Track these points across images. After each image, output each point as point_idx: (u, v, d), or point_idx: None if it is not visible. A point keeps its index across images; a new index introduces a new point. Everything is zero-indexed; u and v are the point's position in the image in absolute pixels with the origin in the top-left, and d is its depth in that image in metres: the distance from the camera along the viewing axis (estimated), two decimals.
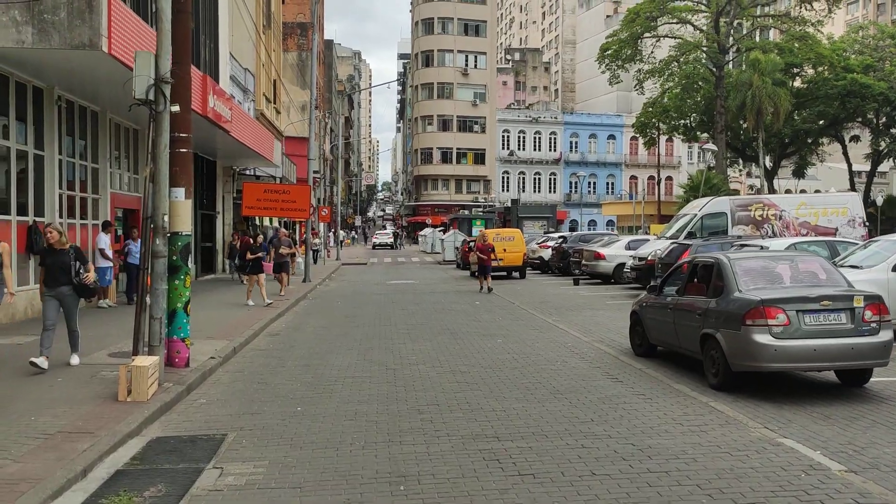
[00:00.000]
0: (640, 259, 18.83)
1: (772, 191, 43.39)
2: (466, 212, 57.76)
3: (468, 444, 5.78)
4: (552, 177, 73.15)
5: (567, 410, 6.81)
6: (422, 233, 57.92)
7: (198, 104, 15.12)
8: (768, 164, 45.39)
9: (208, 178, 24.15)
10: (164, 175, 7.71)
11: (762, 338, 6.94)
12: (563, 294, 19.52)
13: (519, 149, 71.94)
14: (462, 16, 71.25)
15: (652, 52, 42.82)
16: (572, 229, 55.21)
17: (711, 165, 39.94)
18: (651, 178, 66.85)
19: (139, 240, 9.06)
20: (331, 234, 47.70)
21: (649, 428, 6.18)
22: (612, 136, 74.19)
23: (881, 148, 45.21)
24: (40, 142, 12.88)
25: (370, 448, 5.75)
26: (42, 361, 7.94)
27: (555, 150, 72.87)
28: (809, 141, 45.07)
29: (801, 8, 41.37)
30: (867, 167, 48.59)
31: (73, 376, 7.91)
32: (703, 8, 41.78)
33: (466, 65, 71.07)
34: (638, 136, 49.71)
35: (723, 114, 39.13)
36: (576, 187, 70.00)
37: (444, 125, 71.00)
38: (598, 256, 22.30)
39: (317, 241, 34.59)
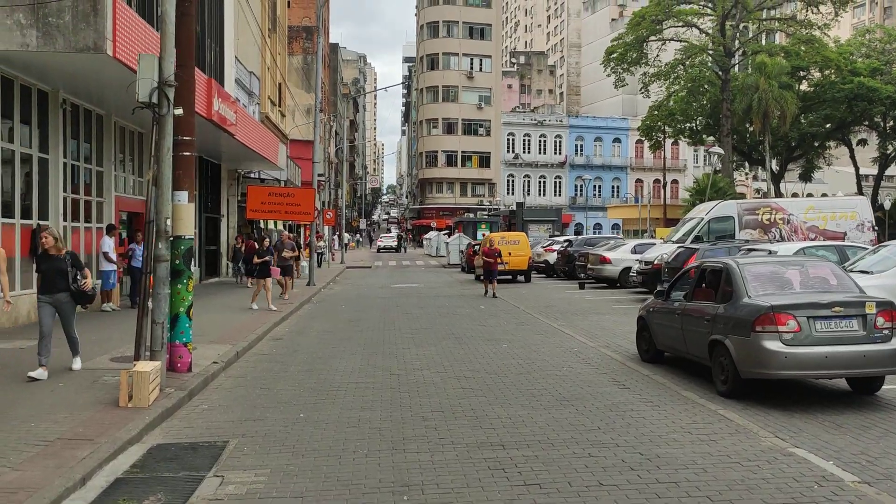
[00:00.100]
0: (647, 263, 18.70)
1: (778, 194, 43.18)
2: (471, 215, 57.68)
3: (473, 453, 5.69)
4: (557, 180, 73.02)
5: (573, 418, 6.71)
6: (426, 236, 57.88)
7: (203, 107, 15.11)
8: (775, 167, 45.18)
9: (213, 182, 24.15)
10: (167, 179, 7.65)
11: (772, 345, 6.83)
12: (569, 298, 19.40)
13: (524, 152, 71.87)
14: (467, 19, 71.28)
15: (657, 56, 42.69)
16: (577, 233, 55.05)
17: (718, 169, 39.75)
18: (657, 181, 66.58)
19: (143, 243, 8.99)
20: (335, 237, 47.69)
21: (657, 436, 6.07)
22: (617, 140, 74.04)
23: (888, 151, 44.94)
24: (45, 145, 12.87)
25: (373, 456, 5.66)
26: (40, 373, 7.82)
27: (560, 154, 72.76)
28: (816, 144, 44.84)
29: (807, 11, 41.18)
30: (874, 171, 48.31)
31: (74, 381, 7.85)
32: (708, 11, 41.64)
33: (471, 68, 71.06)
34: (643, 139, 49.59)
35: (729, 117, 38.97)
36: (581, 190, 69.85)
37: (449, 128, 70.99)
38: (604, 260, 22.17)
39: (321, 244, 34.56)
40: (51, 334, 7.91)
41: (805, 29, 40.86)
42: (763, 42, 45.97)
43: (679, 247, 17.51)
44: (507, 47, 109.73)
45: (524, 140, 72.27)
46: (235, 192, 26.47)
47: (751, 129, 41.09)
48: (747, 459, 5.45)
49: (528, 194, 69.19)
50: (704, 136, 45.75)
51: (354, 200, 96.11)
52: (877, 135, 45.20)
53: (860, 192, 43.74)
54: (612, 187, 73.92)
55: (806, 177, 49.25)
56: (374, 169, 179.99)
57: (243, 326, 12.61)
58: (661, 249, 19.11)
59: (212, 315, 13.85)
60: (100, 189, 15.23)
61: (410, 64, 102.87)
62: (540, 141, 72.62)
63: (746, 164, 51.36)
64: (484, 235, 39.17)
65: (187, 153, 8.18)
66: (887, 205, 44.70)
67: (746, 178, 63.31)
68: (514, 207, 46.22)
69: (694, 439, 5.99)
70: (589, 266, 22.99)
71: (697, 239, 19.42)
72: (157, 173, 7.56)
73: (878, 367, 7.05)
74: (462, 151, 70.63)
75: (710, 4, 41.35)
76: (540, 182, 72.71)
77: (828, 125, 42.94)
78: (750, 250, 13.77)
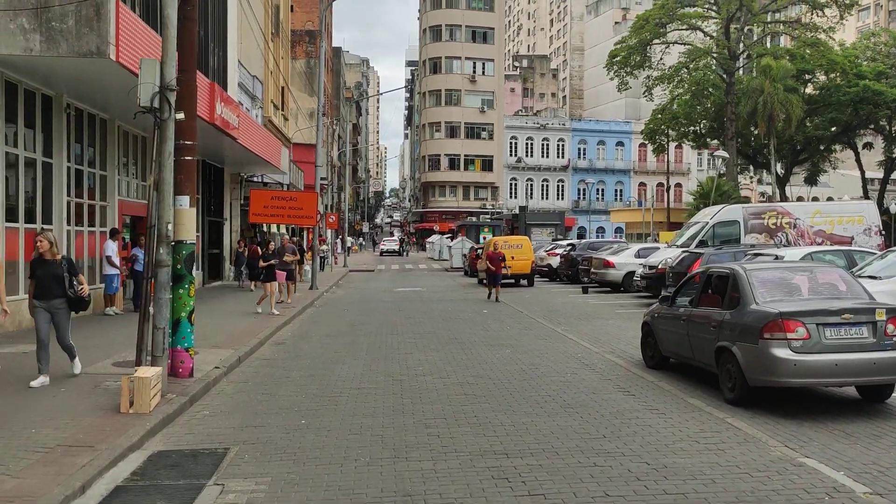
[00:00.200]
0: (651, 267, 18.60)
1: (783, 198, 43.00)
2: (474, 219, 57.63)
3: (476, 461, 5.61)
4: (560, 184, 72.93)
5: (578, 425, 6.62)
6: (429, 239, 57.83)
7: (205, 111, 15.09)
8: (780, 171, 45.01)
9: (216, 185, 24.14)
10: (169, 183, 7.60)
11: (781, 352, 6.74)
12: (572, 303, 19.31)
13: (527, 155, 71.80)
14: (470, 23, 71.32)
15: (661, 59, 42.60)
16: (580, 236, 55.01)
17: (722, 172, 39.60)
18: (660, 184, 66.46)
19: (145, 247, 8.93)
20: (338, 240, 47.67)
21: (664, 445, 5.98)
22: (620, 143, 73.92)
23: (894, 155, 44.72)
24: (49, 149, 12.86)
25: (375, 464, 5.58)
26: (41, 381, 7.74)
27: (563, 157, 72.67)
28: (822, 148, 44.64)
29: (812, 14, 41.07)
30: (880, 174, 48.10)
31: (75, 386, 7.80)
32: (713, 14, 41.55)
33: (474, 72, 71.06)
34: (647, 142, 49.44)
35: (733, 120, 38.83)
36: (584, 194, 69.73)
37: (452, 132, 70.97)
38: (608, 264, 22.07)
39: (324, 247, 34.52)
40: (48, 340, 7.83)
41: (810, 32, 40.74)
42: (768, 45, 45.82)
43: (683, 251, 17.41)
44: (509, 51, 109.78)
45: (527, 143, 72.21)
46: (238, 195, 26.46)
47: (755, 132, 40.94)
48: (757, 470, 5.36)
49: (531, 198, 69.08)
50: (708, 139, 45.59)
51: (357, 204, 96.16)
52: (882, 138, 45.00)
53: (866, 195, 43.56)
54: (616, 191, 73.78)
55: (811, 180, 49.06)
56: (377, 172, 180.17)
57: (245, 331, 12.56)
58: (666, 254, 19.01)
59: (214, 319, 13.80)
60: (103, 193, 15.21)
61: (413, 68, 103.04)
62: (543, 144, 72.55)
63: (751, 168, 51.19)
64: (483, 238, 39.21)
65: (189, 157, 8.14)
66: (893, 208, 44.45)
67: (751, 182, 63.08)
68: (517, 211, 46.14)
69: (702, 448, 5.90)
70: (592, 270, 22.89)
71: (702, 243, 19.30)
72: (158, 178, 7.51)
73: (889, 375, 6.95)
74: (465, 155, 70.59)
75: (714, 7, 41.27)
76: (543, 186, 72.62)
77: (833, 128, 42.76)
78: (756, 255, 13.66)
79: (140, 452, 5.89)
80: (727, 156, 36.92)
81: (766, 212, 20.61)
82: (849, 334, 6.86)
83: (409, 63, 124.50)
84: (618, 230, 64.22)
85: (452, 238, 47.63)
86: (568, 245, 29.80)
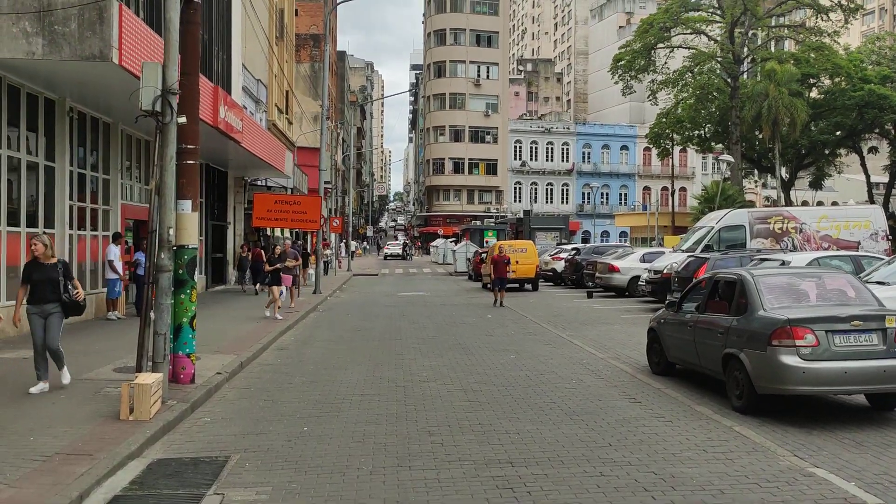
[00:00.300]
0: (656, 272, 18.48)
1: (788, 202, 42.83)
2: (478, 222, 57.53)
3: (480, 470, 5.52)
4: (564, 187, 72.83)
5: (584, 433, 6.53)
6: (433, 243, 57.78)
7: (209, 115, 15.07)
8: (784, 175, 44.84)
9: (219, 189, 24.12)
10: (171, 188, 7.55)
11: (790, 359, 6.63)
12: (577, 307, 19.20)
13: (531, 159, 71.74)
14: (474, 27, 71.36)
15: (665, 63, 42.53)
16: (584, 240, 54.85)
17: (727, 177, 39.45)
18: (664, 188, 66.31)
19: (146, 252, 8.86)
20: (342, 244, 47.64)
21: (671, 454, 5.88)
22: (624, 147, 73.82)
23: None
24: (51, 153, 12.83)
25: (378, 473, 5.50)
26: (41, 388, 7.64)
27: (567, 161, 72.59)
28: (826, 152, 44.47)
29: (816, 18, 40.95)
30: (885, 179, 47.89)
31: (75, 393, 7.73)
32: (717, 18, 41.47)
33: (478, 75, 71.09)
34: (651, 146, 49.36)
35: (738, 124, 38.72)
36: (588, 198, 69.61)
37: (456, 136, 70.96)
38: (613, 269, 21.96)
39: (328, 251, 34.49)
40: (45, 346, 7.72)
41: (815, 36, 40.62)
42: (772, 49, 45.72)
43: (689, 256, 17.30)
44: (514, 55, 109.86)
45: (531, 147, 72.16)
46: (242, 199, 26.44)
47: (760, 136, 40.80)
48: (766, 480, 5.26)
49: (536, 202, 68.96)
50: (713, 143, 45.48)
51: (361, 208, 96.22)
52: (888, 142, 44.81)
53: (871, 200, 43.35)
54: (620, 195, 73.65)
55: (816, 185, 48.88)
56: (381, 176, 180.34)
57: (248, 336, 12.49)
58: (671, 258, 18.89)
59: (217, 324, 13.73)
60: (106, 197, 15.18)
61: (417, 71, 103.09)
62: (547, 148, 72.49)
63: (755, 172, 51.07)
64: (487, 243, 39.12)
65: (191, 161, 8.08)
66: None
67: (756, 186, 62.92)
68: (522, 215, 46.02)
69: (709, 458, 5.80)
70: (597, 275, 22.78)
71: (707, 248, 19.18)
72: (159, 182, 7.45)
73: None
74: (469, 159, 70.56)
75: (718, 11, 41.19)
76: (547, 189, 72.53)
77: (838, 133, 42.60)
78: (762, 260, 13.54)
79: (139, 461, 5.82)
80: (732, 160, 36.78)
81: (771, 216, 20.47)
82: (858, 341, 6.75)
83: (414, 67, 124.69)
84: (622, 234, 64.13)
85: (457, 242, 47.54)
86: (572, 249, 29.70)
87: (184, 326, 8.09)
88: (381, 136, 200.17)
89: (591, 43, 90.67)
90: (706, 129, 44.36)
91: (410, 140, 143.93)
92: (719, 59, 40.90)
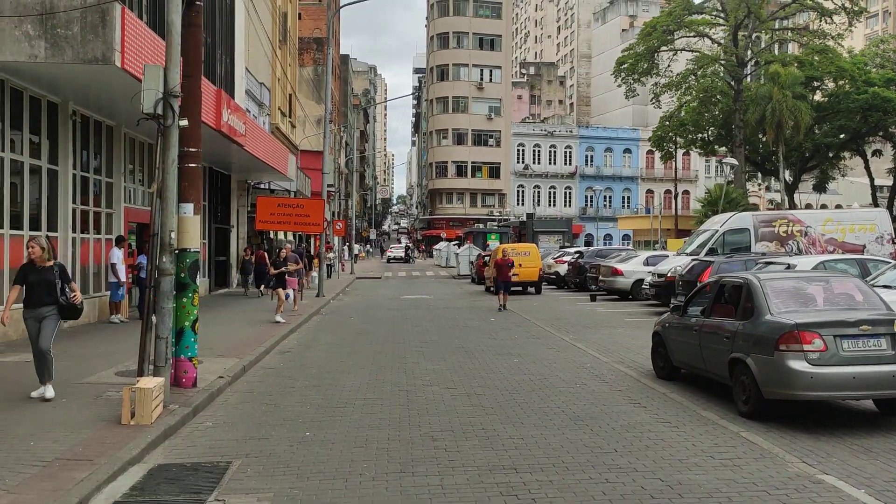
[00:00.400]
0: (660, 275, 18.39)
1: (792, 205, 42.70)
2: (481, 226, 57.48)
3: (484, 477, 5.45)
4: (567, 191, 72.76)
5: (588, 439, 6.46)
6: (437, 246, 57.74)
7: (212, 118, 15.05)
8: (788, 178, 44.71)
9: (223, 192, 24.11)
10: (172, 191, 7.51)
11: (797, 364, 6.56)
12: (580, 311, 19.12)
13: (534, 162, 71.71)
14: (477, 30, 71.42)
15: (669, 66, 42.47)
16: (587, 244, 54.73)
17: (731, 180, 39.35)
18: (668, 192, 66.18)
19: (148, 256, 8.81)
20: (345, 247, 47.61)
21: (678, 461, 5.81)
22: (627, 150, 73.74)
23: None
24: (54, 156, 12.81)
25: (381, 479, 5.44)
26: (41, 392, 7.54)
27: (570, 164, 72.53)
28: (830, 155, 44.35)
29: (820, 21, 40.87)
30: (890, 182, 47.73)
31: (76, 397, 7.68)
32: (721, 21, 41.42)
33: (481, 79, 71.12)
34: (654, 149, 49.30)
35: (742, 127, 38.62)
36: (591, 201, 69.52)
37: (459, 139, 70.98)
38: (616, 272, 21.87)
39: (331, 254, 34.45)
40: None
41: (818, 39, 40.53)
42: (776, 52, 45.63)
43: (693, 259, 17.19)
44: (517, 58, 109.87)
45: (534, 150, 72.12)
46: (245, 202, 26.44)
47: (764, 139, 40.73)
48: (775, 487, 5.18)
49: (539, 205, 68.93)
50: (716, 146, 45.40)
51: (364, 211, 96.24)
52: (892, 145, 44.65)
53: (875, 203, 43.20)
54: (623, 198, 73.55)
55: (820, 188, 48.74)
56: (385, 179, 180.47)
57: (251, 339, 12.44)
58: (675, 262, 18.79)
59: (219, 327, 13.70)
60: (109, 200, 15.16)
61: (420, 75, 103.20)
62: (550, 151, 72.44)
63: (759, 175, 50.95)
64: (487, 246, 39.08)
65: (193, 164, 8.04)
66: None
67: (759, 189, 62.79)
68: (525, 218, 45.98)
69: (717, 464, 5.72)
70: (600, 278, 22.69)
71: (712, 251, 19.07)
72: (161, 185, 7.41)
73: None
74: (472, 162, 70.57)
75: (722, 14, 41.14)
76: (550, 193, 72.47)
77: (842, 136, 42.48)
78: (767, 263, 13.45)
79: (140, 466, 5.77)
80: (736, 163, 36.67)
81: (776, 220, 20.35)
82: (867, 346, 6.67)
83: (417, 70, 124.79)
84: (625, 237, 64.03)
85: (460, 245, 47.49)
86: (576, 252, 29.61)
87: (186, 330, 8.04)
88: (384, 139, 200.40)
89: (594, 46, 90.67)
90: (709, 132, 44.28)
91: (413, 143, 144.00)
92: (723, 62, 40.84)
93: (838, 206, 51.40)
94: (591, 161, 72.98)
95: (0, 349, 10.28)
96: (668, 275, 17.54)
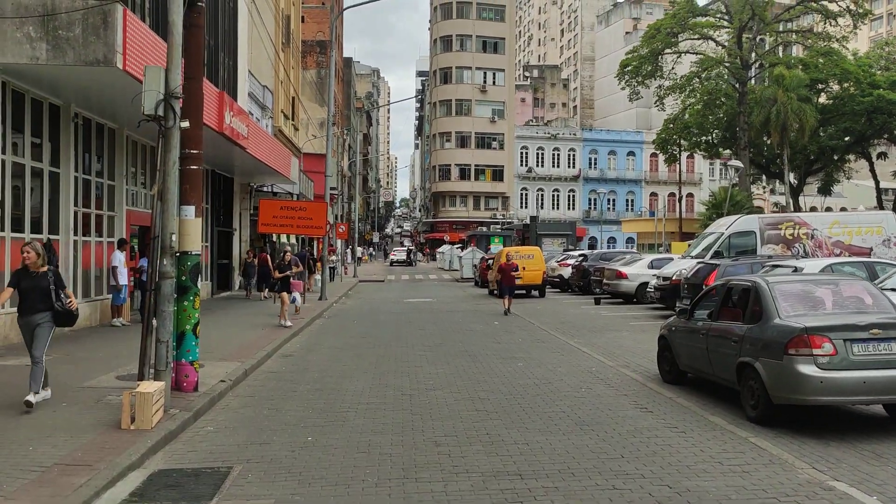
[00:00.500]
0: (665, 279, 18.27)
1: (797, 208, 42.50)
2: (485, 229, 57.40)
3: (489, 483, 5.36)
4: (571, 193, 72.62)
5: (595, 444, 6.36)
6: (440, 249, 57.67)
7: (214, 121, 15.01)
8: (793, 180, 44.54)
9: (225, 195, 24.08)
10: (173, 193, 7.44)
11: (807, 368, 6.45)
12: (585, 314, 19.01)
13: (537, 165, 71.60)
14: (480, 33, 71.43)
15: (673, 69, 42.36)
16: (591, 247, 54.64)
17: (735, 182, 39.19)
18: (672, 194, 66.05)
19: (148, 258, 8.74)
20: (348, 250, 47.56)
21: (686, 467, 5.70)
22: (631, 153, 73.59)
23: None
24: (56, 159, 12.78)
25: (383, 485, 5.35)
26: (41, 396, 7.43)
27: (573, 167, 72.41)
28: (835, 158, 44.16)
29: (825, 24, 40.72)
30: (894, 184, 47.50)
31: (77, 401, 7.62)
32: (725, 24, 41.31)
33: (485, 81, 71.09)
34: (658, 152, 49.14)
35: (746, 130, 38.47)
36: (595, 204, 69.37)
37: (463, 142, 70.95)
38: (621, 275, 21.75)
39: (333, 257, 34.39)
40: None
41: (823, 41, 40.38)
42: (780, 54, 45.47)
43: (699, 262, 17.07)
44: (520, 61, 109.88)
45: (538, 153, 72.03)
46: (248, 205, 26.39)
47: (768, 142, 40.54)
48: (785, 494, 5.08)
49: (542, 208, 68.82)
50: (721, 149, 45.22)
51: (367, 214, 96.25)
52: None
53: (880, 205, 43.00)
54: (627, 201, 73.38)
55: (825, 190, 48.53)
56: (388, 182, 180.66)
57: (253, 343, 12.37)
58: (680, 265, 18.67)
59: (221, 330, 13.63)
60: (111, 203, 15.13)
61: (424, 78, 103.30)
62: (553, 154, 72.34)
63: (764, 178, 50.76)
64: (489, 249, 38.95)
65: (195, 167, 7.98)
66: None
67: (764, 192, 62.56)
68: (528, 221, 45.85)
69: (725, 470, 5.62)
70: (605, 281, 22.56)
71: (717, 254, 18.94)
72: (162, 187, 7.35)
73: None
74: (475, 165, 70.52)
75: (726, 17, 41.03)
76: (553, 196, 72.34)
77: (847, 138, 42.29)
78: (774, 267, 13.32)
79: (140, 471, 5.69)
80: (741, 165, 36.53)
81: (782, 222, 20.20)
82: (878, 350, 6.56)
83: (420, 73, 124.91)
84: (629, 240, 63.78)
85: (463, 248, 47.40)
86: (580, 255, 29.49)
87: (187, 333, 7.96)
88: (388, 142, 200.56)
89: (598, 49, 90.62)
90: (714, 135, 44.12)
91: (416, 146, 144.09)
92: (727, 64, 40.70)
93: (843, 209, 51.26)
94: (595, 164, 72.85)
95: (1, 352, 10.22)
96: (674, 278, 17.42)
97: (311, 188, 34.78)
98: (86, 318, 13.88)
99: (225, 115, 15.83)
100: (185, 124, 7.42)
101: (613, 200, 72.32)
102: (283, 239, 30.58)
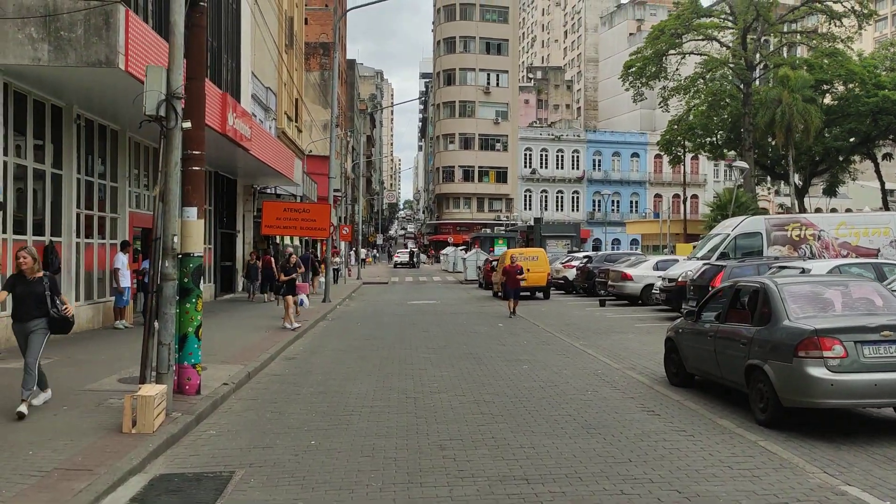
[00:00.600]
0: (670, 280, 18.16)
1: (802, 209, 42.33)
2: (488, 230, 57.30)
3: (495, 488, 5.27)
4: (575, 195, 72.50)
5: (601, 448, 6.27)
6: (444, 251, 57.59)
7: (217, 122, 14.97)
8: (798, 182, 44.35)
9: (228, 197, 24.05)
10: (175, 194, 7.38)
11: (817, 371, 6.35)
12: (590, 316, 18.90)
13: (541, 167, 71.51)
14: (484, 34, 71.42)
15: (677, 70, 42.26)
16: (595, 248, 54.45)
17: (740, 184, 39.04)
18: (676, 196, 65.86)
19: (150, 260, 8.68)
20: (352, 252, 47.52)
21: (694, 471, 5.61)
22: (635, 154, 73.45)
23: None
24: (58, 160, 12.74)
25: (388, 490, 5.27)
26: (42, 399, 7.38)
27: (577, 169, 72.30)
28: (840, 159, 43.97)
29: (829, 24, 40.57)
30: None
31: (78, 404, 7.55)
32: (729, 25, 41.19)
33: (488, 83, 71.05)
34: (663, 153, 49.05)
35: (751, 131, 38.34)
36: (599, 206, 69.22)
37: (466, 143, 70.89)
38: (626, 277, 21.64)
39: (337, 259, 34.35)
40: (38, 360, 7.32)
41: (828, 42, 40.25)
42: (785, 55, 45.32)
43: (704, 264, 16.95)
44: (523, 62, 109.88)
45: (541, 155, 71.93)
46: (251, 207, 26.37)
47: (773, 143, 40.39)
48: (796, 499, 4.98)
49: (546, 209, 68.69)
50: (725, 150, 45.08)
51: (371, 216, 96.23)
52: None
53: (886, 207, 42.77)
54: (631, 202, 73.21)
55: (830, 191, 48.31)
56: (391, 184, 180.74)
57: (256, 345, 12.30)
58: (686, 266, 18.54)
59: (224, 333, 13.57)
60: (114, 205, 15.09)
61: (427, 79, 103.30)
62: (557, 156, 72.24)
63: (769, 179, 50.55)
64: (491, 251, 38.86)
65: (197, 168, 7.92)
66: None
67: (769, 193, 62.34)
68: (532, 223, 45.77)
69: (735, 475, 5.52)
70: (610, 283, 22.46)
71: (723, 255, 18.79)
72: (164, 189, 7.28)
73: None
74: (479, 166, 70.44)
75: (730, 18, 40.92)
76: (557, 197, 72.22)
77: (852, 139, 42.12)
78: (781, 268, 13.20)
79: (141, 476, 5.62)
80: (746, 166, 36.37)
81: (789, 223, 20.05)
82: (889, 352, 6.46)
83: (424, 75, 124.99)
84: (633, 242, 63.61)
85: (467, 250, 47.31)
86: (584, 257, 29.38)
87: (189, 336, 7.90)
88: (391, 144, 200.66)
89: (601, 50, 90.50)
90: (718, 136, 43.99)
91: (420, 148, 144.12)
92: (731, 65, 40.58)
93: (848, 210, 50.97)
94: (599, 165, 72.71)
95: (2, 355, 10.17)
96: (679, 279, 17.30)
97: (314, 190, 34.75)
98: (88, 321, 13.84)
99: (228, 117, 15.79)
100: (187, 125, 7.35)
101: (617, 202, 72.16)
102: (287, 241, 30.54)
